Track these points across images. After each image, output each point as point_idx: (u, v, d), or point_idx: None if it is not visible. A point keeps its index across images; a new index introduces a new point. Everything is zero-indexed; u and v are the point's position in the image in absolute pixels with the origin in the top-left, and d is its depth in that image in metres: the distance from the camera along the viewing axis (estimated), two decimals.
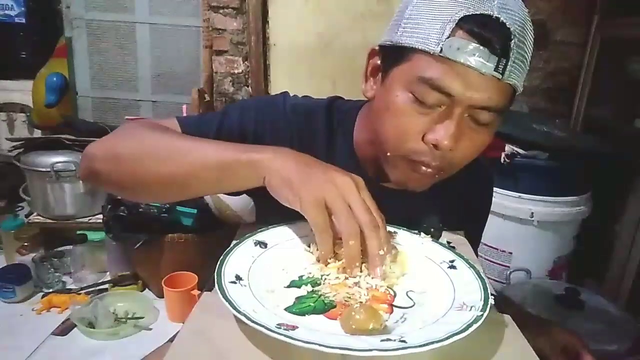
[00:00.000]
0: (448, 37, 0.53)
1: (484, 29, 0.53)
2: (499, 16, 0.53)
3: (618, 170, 1.69)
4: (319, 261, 0.54)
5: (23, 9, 2.45)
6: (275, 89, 2.10)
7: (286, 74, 2.09)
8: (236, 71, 2.11)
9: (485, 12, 0.53)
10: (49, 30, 2.44)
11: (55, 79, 2.12)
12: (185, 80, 2.13)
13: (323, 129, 0.72)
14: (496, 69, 0.54)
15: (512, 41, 0.53)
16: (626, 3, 1.74)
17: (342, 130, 0.73)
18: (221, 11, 2.03)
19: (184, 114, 1.82)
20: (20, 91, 2.39)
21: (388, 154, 0.63)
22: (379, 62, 0.64)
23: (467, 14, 0.53)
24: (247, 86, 2.13)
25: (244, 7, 2.01)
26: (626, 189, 1.68)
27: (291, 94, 0.76)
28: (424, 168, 0.61)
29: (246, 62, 2.09)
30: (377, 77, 0.64)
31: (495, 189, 0.89)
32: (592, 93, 1.95)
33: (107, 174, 0.63)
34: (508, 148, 1.53)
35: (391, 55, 0.61)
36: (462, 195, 0.75)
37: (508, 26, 0.53)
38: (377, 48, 0.64)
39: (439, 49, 0.54)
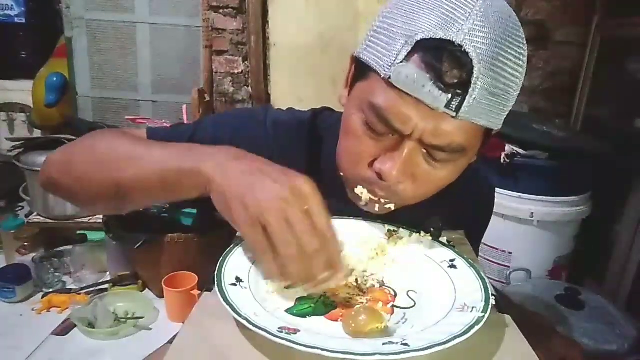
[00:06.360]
0: (401, 62, 0.47)
1: (438, 59, 0.45)
2: (463, 44, 0.44)
3: (618, 170, 1.69)
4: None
5: (23, 9, 2.45)
6: (275, 89, 2.10)
7: (286, 74, 2.09)
8: (236, 71, 2.11)
9: (447, 38, 0.45)
10: (49, 30, 2.43)
11: (55, 79, 2.12)
12: (185, 80, 2.13)
13: (306, 145, 0.68)
14: (448, 106, 0.46)
15: (475, 76, 0.45)
16: (626, 3, 1.74)
17: (326, 146, 0.68)
18: (221, 11, 2.03)
19: (184, 114, 1.82)
20: (20, 91, 2.38)
21: (341, 174, 0.59)
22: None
23: (426, 37, 0.46)
24: (247, 86, 2.13)
25: (244, 7, 2.01)
26: (626, 189, 1.68)
27: (275, 107, 0.72)
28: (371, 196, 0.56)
29: (246, 62, 2.09)
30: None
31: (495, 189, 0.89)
32: (592, 93, 1.94)
33: (60, 181, 0.61)
34: (508, 148, 1.53)
35: (357, 69, 0.56)
36: (462, 207, 0.71)
37: (471, 57, 0.45)
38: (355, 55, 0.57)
39: (389, 74, 0.48)
